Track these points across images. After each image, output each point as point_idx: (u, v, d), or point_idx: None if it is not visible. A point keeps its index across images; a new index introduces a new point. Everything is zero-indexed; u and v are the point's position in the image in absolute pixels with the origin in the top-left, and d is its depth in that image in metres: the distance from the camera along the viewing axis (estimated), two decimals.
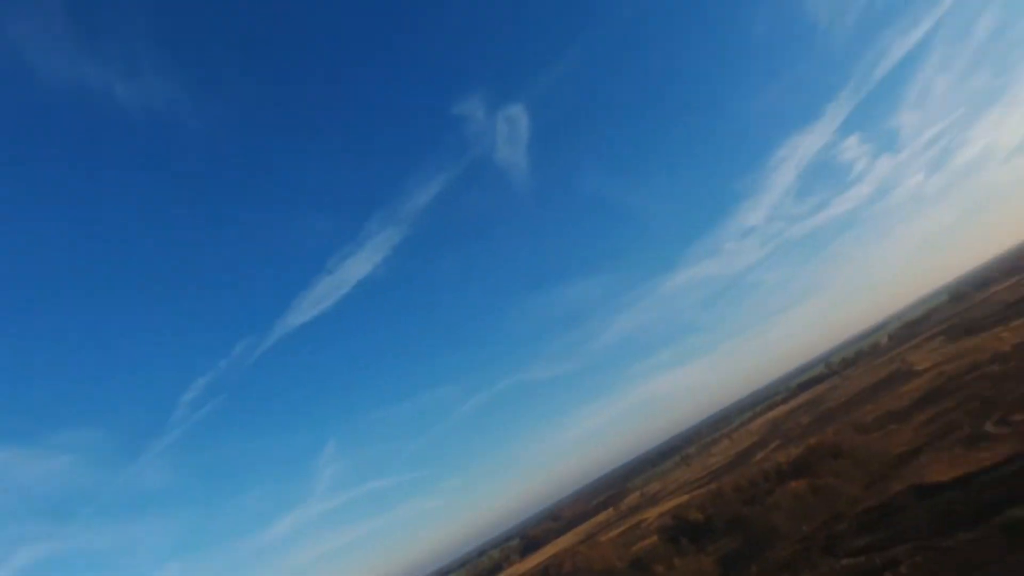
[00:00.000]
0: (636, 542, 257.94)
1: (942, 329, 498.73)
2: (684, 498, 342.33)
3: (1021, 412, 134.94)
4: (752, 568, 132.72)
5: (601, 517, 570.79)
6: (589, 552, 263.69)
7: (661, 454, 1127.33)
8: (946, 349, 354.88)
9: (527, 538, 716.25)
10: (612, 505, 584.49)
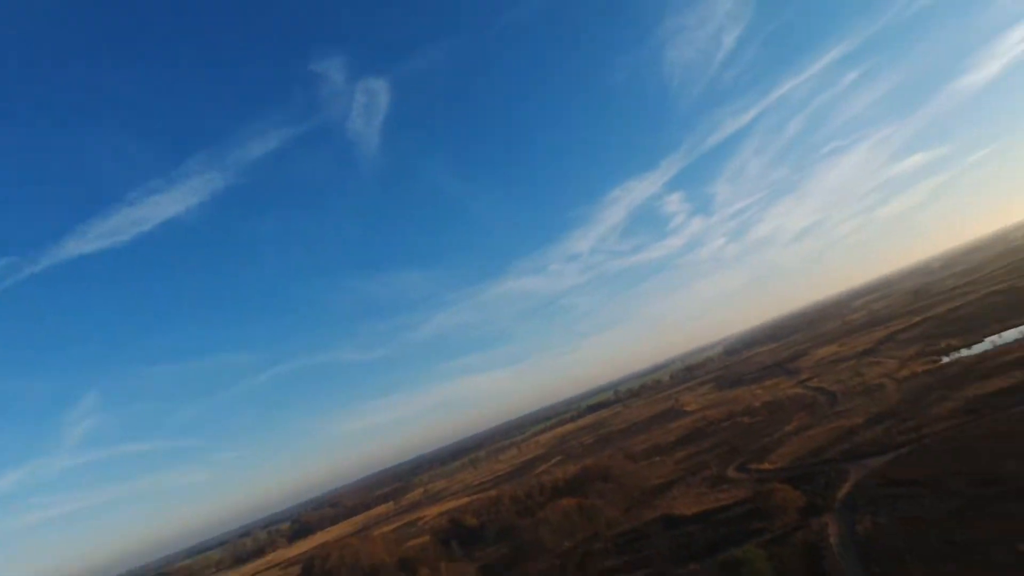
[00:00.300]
0: (409, 540, 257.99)
1: (713, 377, 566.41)
2: (465, 500, 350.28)
3: (757, 462, 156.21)
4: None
5: (381, 509, 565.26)
6: (360, 545, 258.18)
7: (453, 453, 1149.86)
8: (712, 396, 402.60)
9: (300, 523, 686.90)
10: (394, 499, 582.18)
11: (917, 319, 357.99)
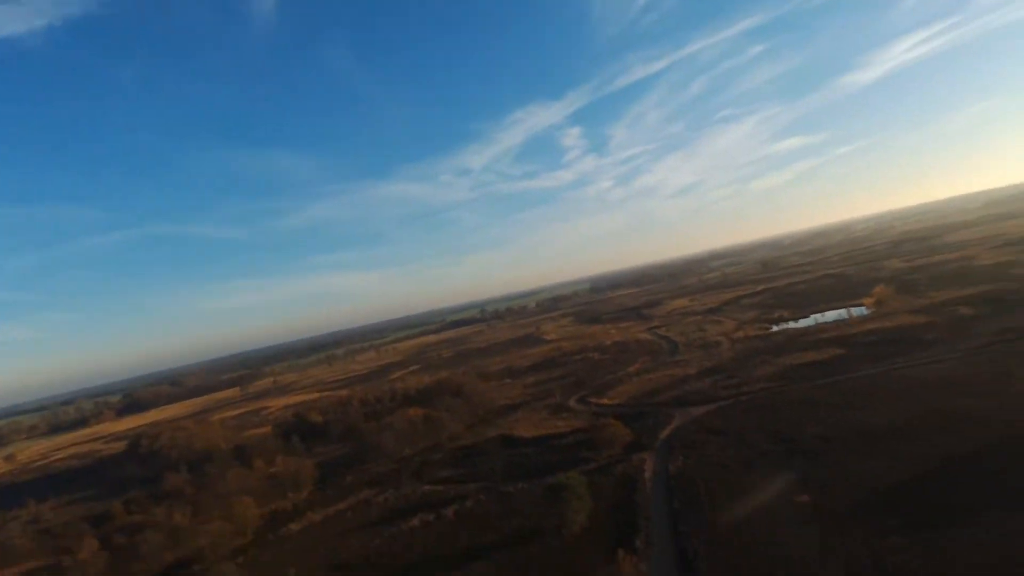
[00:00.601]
0: (249, 429, 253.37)
1: (575, 311, 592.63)
2: (314, 396, 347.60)
3: (598, 397, 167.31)
4: (347, 478, 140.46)
5: (226, 394, 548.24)
6: (195, 428, 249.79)
7: (311, 347, 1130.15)
8: (571, 329, 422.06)
9: (132, 397, 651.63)
10: (241, 385, 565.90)
11: (760, 288, 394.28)
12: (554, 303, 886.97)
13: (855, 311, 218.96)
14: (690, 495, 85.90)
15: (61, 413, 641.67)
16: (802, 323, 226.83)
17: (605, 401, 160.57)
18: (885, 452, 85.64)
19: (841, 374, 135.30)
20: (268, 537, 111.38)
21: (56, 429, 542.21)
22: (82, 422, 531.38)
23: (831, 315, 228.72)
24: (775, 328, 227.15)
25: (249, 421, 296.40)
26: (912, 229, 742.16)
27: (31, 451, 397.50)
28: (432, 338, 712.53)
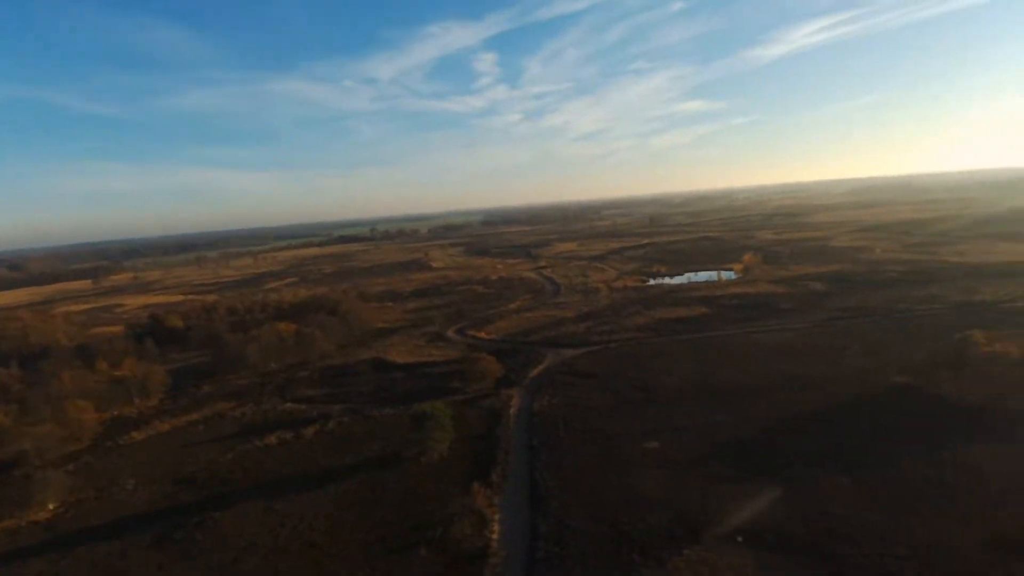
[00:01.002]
0: (98, 327, 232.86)
1: (465, 241, 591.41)
2: (177, 298, 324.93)
3: (476, 329, 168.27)
4: (203, 388, 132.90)
5: (76, 286, 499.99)
6: (33, 320, 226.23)
7: (181, 246, 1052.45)
8: (459, 259, 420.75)
9: None
10: (95, 278, 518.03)
11: (645, 241, 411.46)
12: (446, 231, 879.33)
13: (725, 274, 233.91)
14: (550, 434, 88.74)
15: None
16: (677, 280, 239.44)
17: (483, 335, 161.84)
18: (732, 408, 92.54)
19: (704, 332, 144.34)
20: (107, 444, 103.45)
21: None
22: None
23: (703, 275, 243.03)
24: (652, 281, 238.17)
25: (99, 318, 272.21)
26: (785, 205, 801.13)
27: None
28: (315, 251, 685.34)
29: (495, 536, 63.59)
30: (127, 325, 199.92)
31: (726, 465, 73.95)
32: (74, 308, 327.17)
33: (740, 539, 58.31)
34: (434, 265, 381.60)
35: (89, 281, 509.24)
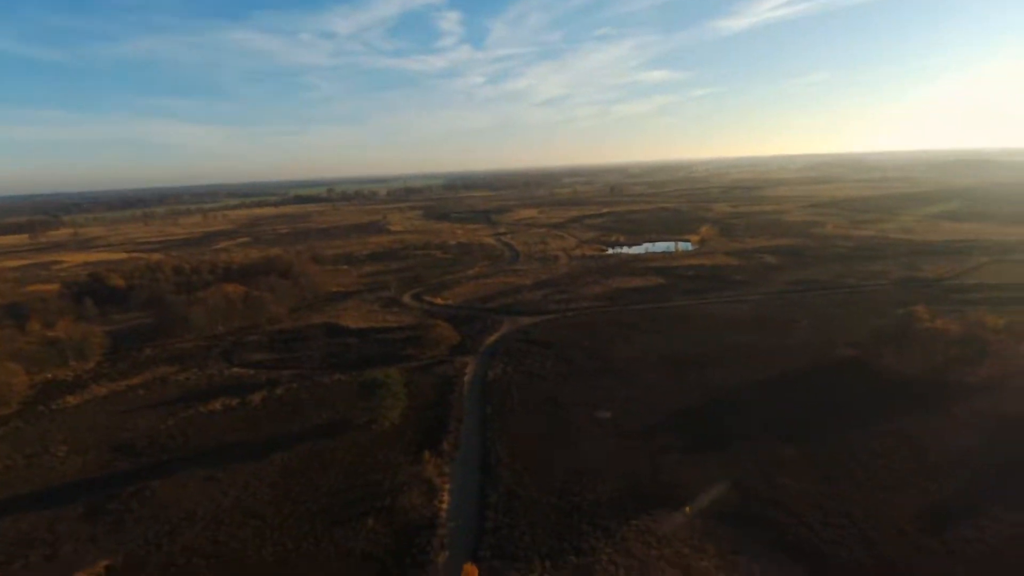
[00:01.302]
0: (34, 284, 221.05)
1: (424, 205, 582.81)
2: (120, 256, 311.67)
3: (433, 295, 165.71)
4: (145, 351, 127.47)
5: (10, 240, 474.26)
6: None
7: (126, 201, 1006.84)
8: (418, 223, 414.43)
9: None
10: (31, 233, 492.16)
11: (605, 210, 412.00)
12: (405, 194, 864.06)
13: (682, 245, 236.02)
14: (503, 402, 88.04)
15: None
16: (635, 249, 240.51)
17: (439, 301, 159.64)
18: (683, 378, 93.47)
19: (659, 302, 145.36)
20: (38, 409, 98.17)
21: None
22: None
23: (661, 246, 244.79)
24: (610, 251, 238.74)
25: (35, 275, 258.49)
26: (742, 178, 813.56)
27: None
28: (270, 211, 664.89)
29: (444, 506, 62.76)
30: (64, 283, 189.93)
31: (676, 435, 74.59)
32: (8, 264, 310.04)
33: (687, 509, 58.89)
34: (392, 229, 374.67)
35: (25, 236, 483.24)
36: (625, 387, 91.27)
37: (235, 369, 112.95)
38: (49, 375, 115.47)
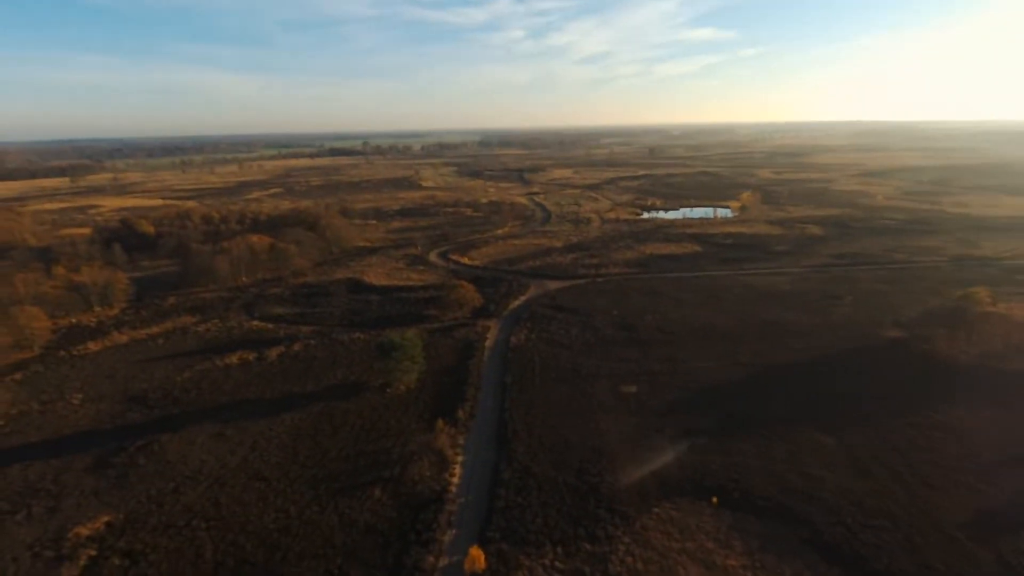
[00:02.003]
0: (69, 228, 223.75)
1: (459, 162, 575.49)
2: (156, 203, 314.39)
3: (459, 254, 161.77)
4: (169, 300, 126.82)
5: (52, 183, 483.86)
6: (6, 217, 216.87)
7: (165, 148, 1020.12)
8: (450, 179, 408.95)
9: None
10: (73, 176, 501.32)
11: (642, 173, 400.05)
12: (440, 150, 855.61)
13: (721, 211, 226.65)
14: (524, 371, 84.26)
15: None
16: (671, 214, 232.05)
17: (466, 260, 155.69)
18: (714, 353, 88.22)
19: (694, 271, 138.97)
20: (59, 355, 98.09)
21: None
22: None
23: (699, 211, 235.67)
24: (645, 215, 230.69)
25: (72, 219, 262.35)
26: (787, 143, 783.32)
27: None
28: (305, 162, 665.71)
29: (455, 480, 59.74)
30: (96, 228, 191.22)
31: (705, 416, 69.95)
32: (47, 207, 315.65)
33: (714, 499, 54.67)
34: (424, 184, 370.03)
35: (67, 179, 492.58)
36: (653, 360, 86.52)
37: (255, 322, 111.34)
38: (73, 319, 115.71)
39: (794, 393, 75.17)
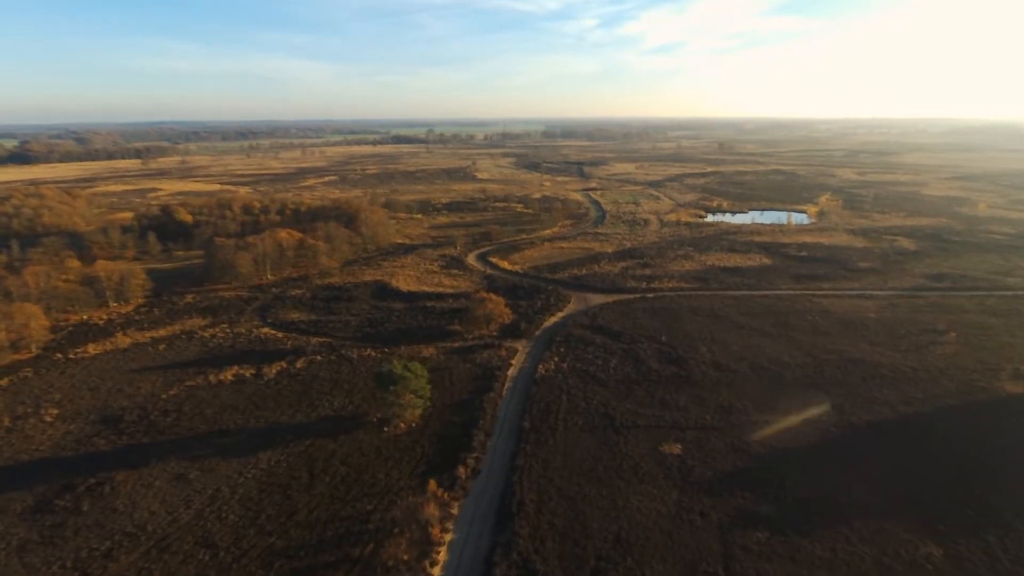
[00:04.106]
0: (119, 212, 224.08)
1: (519, 153, 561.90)
2: (214, 187, 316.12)
3: (500, 257, 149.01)
4: (186, 297, 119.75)
5: (126, 164, 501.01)
6: (55, 199, 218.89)
7: (238, 132, 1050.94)
8: (507, 171, 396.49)
9: (24, 148, 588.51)
10: (144, 159, 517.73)
11: (709, 170, 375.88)
12: (502, 139, 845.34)
13: (795, 217, 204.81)
14: (547, 413, 71.00)
15: None
16: (739, 218, 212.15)
17: (505, 264, 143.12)
18: (782, 404, 72.35)
19: (761, 288, 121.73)
20: (55, 357, 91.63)
21: None
22: None
23: (770, 216, 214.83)
24: (710, 217, 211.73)
25: (130, 202, 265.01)
26: (872, 141, 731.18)
27: None
28: (367, 149, 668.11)
29: (436, 572, 47.36)
30: (137, 215, 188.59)
31: (765, 496, 54.96)
32: (112, 188, 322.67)
33: None
34: (479, 176, 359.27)
35: (140, 161, 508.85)
36: (703, 408, 71.49)
37: (266, 329, 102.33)
38: (85, 316, 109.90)
39: (885, 470, 58.94)
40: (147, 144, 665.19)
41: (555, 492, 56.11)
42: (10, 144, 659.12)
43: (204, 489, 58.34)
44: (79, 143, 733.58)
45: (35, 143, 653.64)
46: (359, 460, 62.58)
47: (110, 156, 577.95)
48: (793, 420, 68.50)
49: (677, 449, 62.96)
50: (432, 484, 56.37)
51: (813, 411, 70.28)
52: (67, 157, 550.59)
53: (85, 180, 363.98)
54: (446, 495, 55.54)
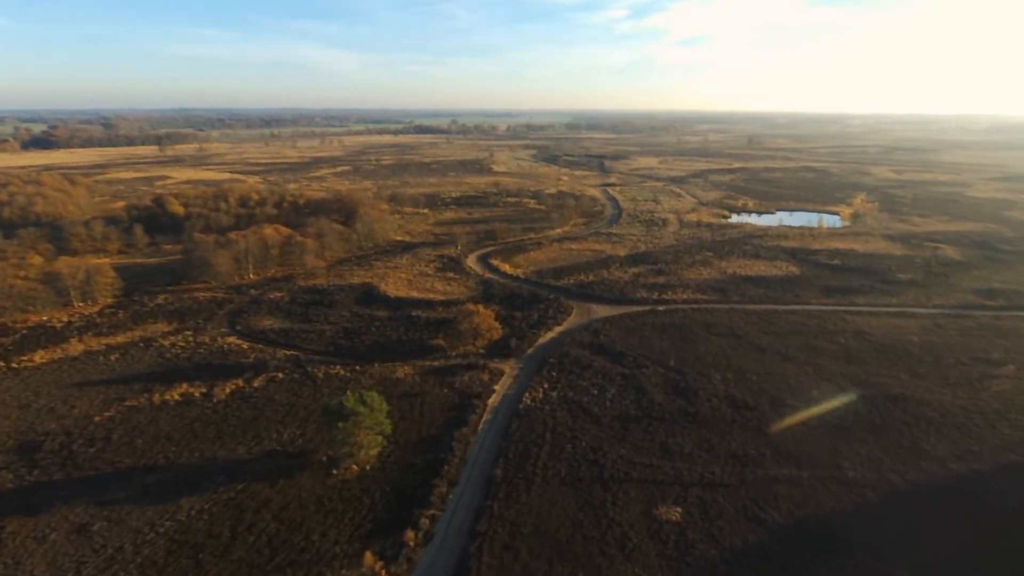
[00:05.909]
0: (116, 202, 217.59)
1: (539, 145, 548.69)
2: (225, 176, 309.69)
3: (501, 259, 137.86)
4: (158, 298, 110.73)
5: (144, 151, 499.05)
6: (53, 187, 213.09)
7: (264, 120, 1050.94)
8: (524, 164, 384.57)
9: (48, 133, 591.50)
10: (162, 145, 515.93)
11: (736, 166, 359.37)
12: (525, 131, 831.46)
13: (827, 219, 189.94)
14: (525, 457, 60.22)
15: None
16: (765, 219, 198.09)
17: (507, 267, 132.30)
18: (809, 454, 60.59)
19: (786, 302, 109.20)
20: None
21: None
22: None
23: (799, 217, 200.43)
24: (734, 218, 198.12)
25: (136, 190, 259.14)
26: (909, 137, 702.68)
27: None
28: (386, 139, 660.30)
29: None
30: (128, 208, 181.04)
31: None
32: (122, 175, 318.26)
33: None
34: (494, 169, 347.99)
35: (157, 148, 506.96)
36: (712, 457, 60.06)
37: (231, 338, 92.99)
38: (45, 317, 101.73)
39: (940, 553, 47.12)
40: (169, 131, 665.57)
41: (520, 571, 45.39)
42: (38, 129, 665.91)
43: (104, 547, 48.83)
44: (106, 128, 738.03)
45: (60, 128, 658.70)
46: (294, 513, 52.60)
47: (131, 142, 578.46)
48: (820, 476, 56.85)
49: (676, 514, 51.76)
50: (368, 557, 46.04)
51: (845, 466, 58.43)
52: (88, 143, 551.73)
53: (99, 166, 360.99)
54: (384, 573, 45.17)
